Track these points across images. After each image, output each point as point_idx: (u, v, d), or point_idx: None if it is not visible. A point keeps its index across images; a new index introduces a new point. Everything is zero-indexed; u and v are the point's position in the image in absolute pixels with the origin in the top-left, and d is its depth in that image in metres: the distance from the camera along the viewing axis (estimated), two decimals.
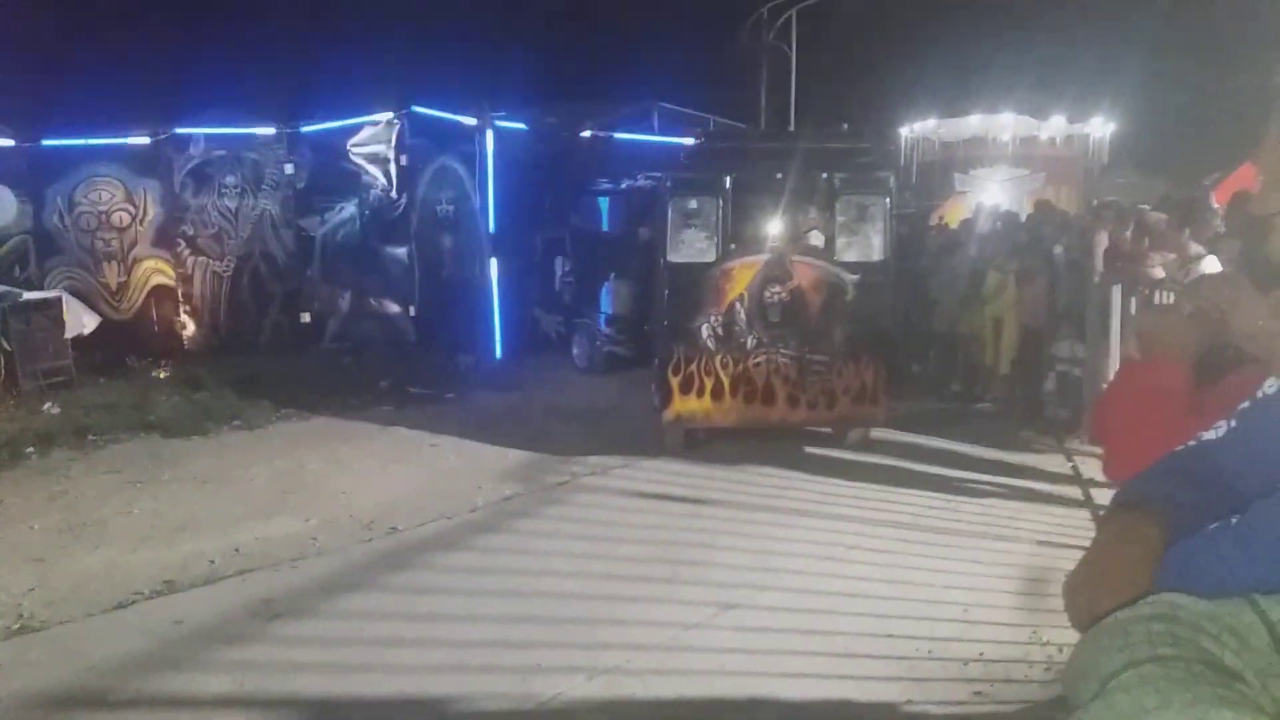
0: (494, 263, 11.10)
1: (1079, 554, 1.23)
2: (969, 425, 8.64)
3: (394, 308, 11.93)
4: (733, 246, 7.71)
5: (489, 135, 11.03)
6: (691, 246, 7.66)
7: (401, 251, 11.81)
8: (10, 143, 10.60)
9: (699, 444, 7.82)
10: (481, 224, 11.14)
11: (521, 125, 11.95)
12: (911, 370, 10.67)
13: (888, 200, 7.76)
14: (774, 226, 7.87)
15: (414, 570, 5.36)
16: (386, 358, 10.98)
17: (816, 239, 7.94)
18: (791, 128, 19.07)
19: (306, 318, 11.80)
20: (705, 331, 7.59)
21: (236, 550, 5.61)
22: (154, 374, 10.30)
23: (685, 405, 7.58)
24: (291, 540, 5.77)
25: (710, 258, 7.63)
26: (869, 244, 7.73)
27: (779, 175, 7.70)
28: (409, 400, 9.57)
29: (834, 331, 7.58)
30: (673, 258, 7.68)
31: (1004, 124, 20.11)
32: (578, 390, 10.10)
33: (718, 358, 7.55)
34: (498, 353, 11.18)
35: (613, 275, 10.92)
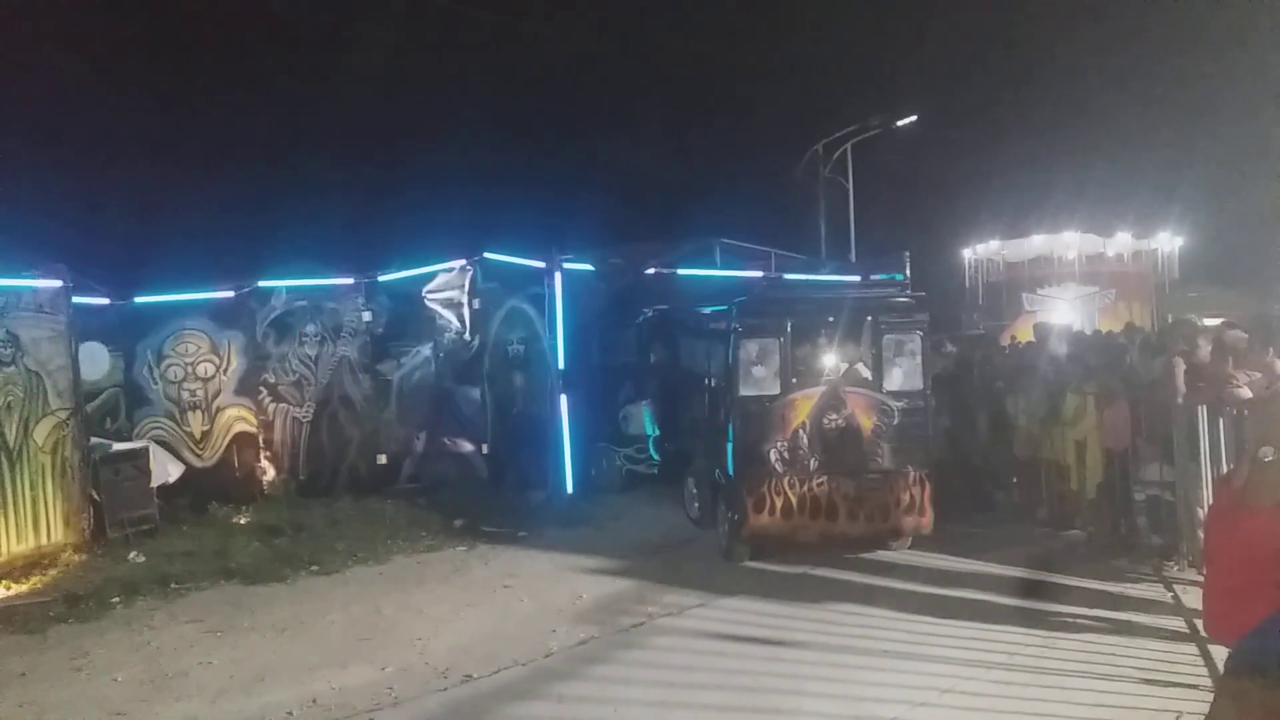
0: (564, 399, 11.23)
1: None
2: (1058, 554, 8.34)
3: (467, 446, 12.07)
4: (794, 380, 8.50)
5: (557, 277, 11.33)
6: (759, 382, 8.49)
7: (474, 391, 12.03)
8: (105, 301, 11.16)
9: (763, 556, 8.47)
10: (551, 362, 11.34)
11: (588, 266, 12.26)
12: (995, 498, 10.38)
13: (920, 336, 8.73)
14: (828, 362, 8.61)
15: None
16: (460, 497, 11.04)
17: (864, 371, 8.66)
18: (852, 258, 19.28)
19: (383, 459, 11.97)
20: (773, 456, 8.40)
21: (314, 701, 5.56)
22: (235, 520, 10.47)
23: (759, 522, 8.32)
24: (368, 690, 5.71)
25: (775, 391, 8.48)
26: (909, 375, 8.66)
27: (830, 318, 8.61)
28: (482, 539, 9.56)
29: (884, 452, 8.49)
30: (743, 392, 8.47)
31: (1068, 242, 20.08)
32: (649, 524, 9.99)
33: (785, 479, 8.36)
34: (569, 488, 11.18)
35: (628, 400, 11.76)
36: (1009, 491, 10.31)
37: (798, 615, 6.81)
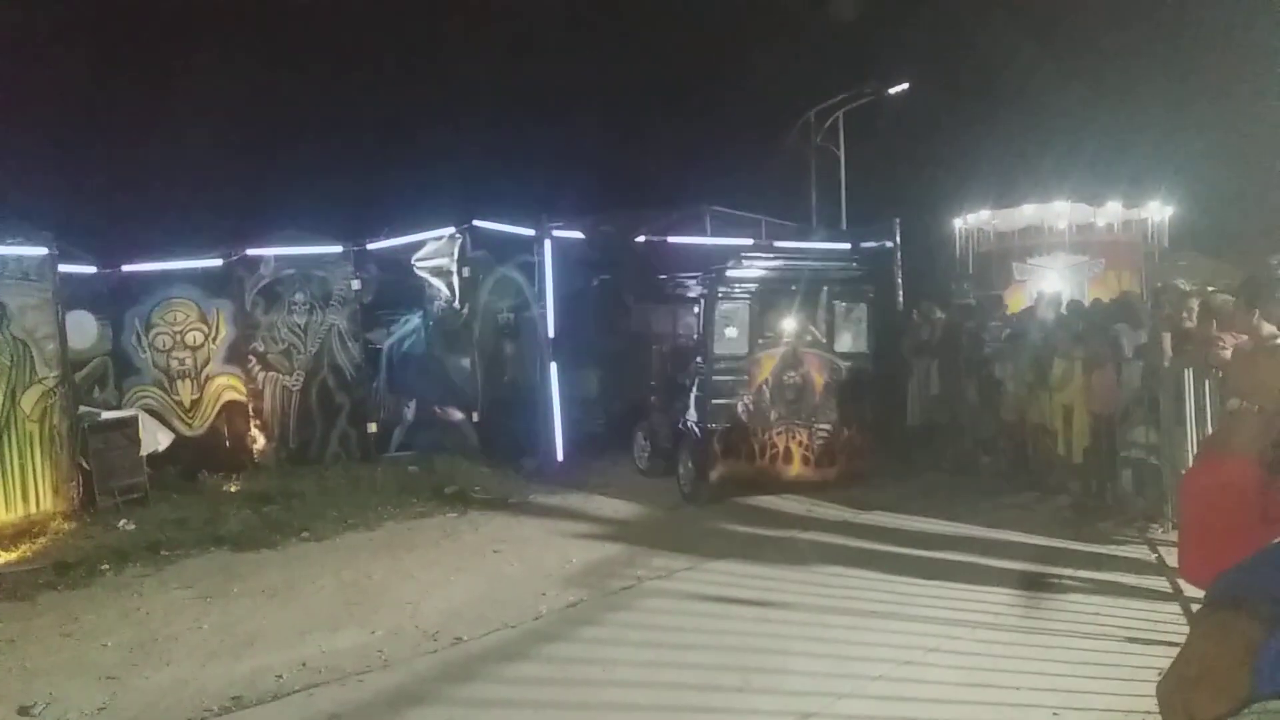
0: (554, 367, 11.23)
1: (1171, 650, 1.16)
2: (1045, 518, 8.39)
3: (457, 414, 12.07)
4: (760, 342, 9.61)
5: (547, 245, 11.28)
6: (730, 342, 9.55)
7: (464, 360, 12.01)
8: (92, 269, 11.08)
9: (725, 498, 9.38)
10: (541, 330, 11.31)
11: (578, 234, 12.21)
12: (982, 462, 10.44)
13: (866, 306, 10.06)
14: (788, 326, 9.74)
15: (479, 682, 5.28)
16: (451, 464, 11.06)
17: (818, 334, 9.86)
18: (843, 225, 19.24)
19: (373, 428, 11.95)
20: (740, 408, 9.50)
21: (303, 664, 5.59)
22: (225, 488, 10.47)
23: (726, 466, 9.43)
24: (357, 652, 5.74)
25: (744, 350, 9.59)
26: (856, 339, 9.98)
27: (792, 287, 9.77)
28: (473, 505, 9.59)
29: (832, 405, 9.74)
30: (717, 351, 9.51)
31: (1059, 212, 20.02)
32: (640, 491, 10.03)
33: (750, 429, 9.48)
34: (559, 455, 11.21)
35: (576, 365, 12.32)
36: (996, 456, 10.37)
37: (785, 577, 6.86)
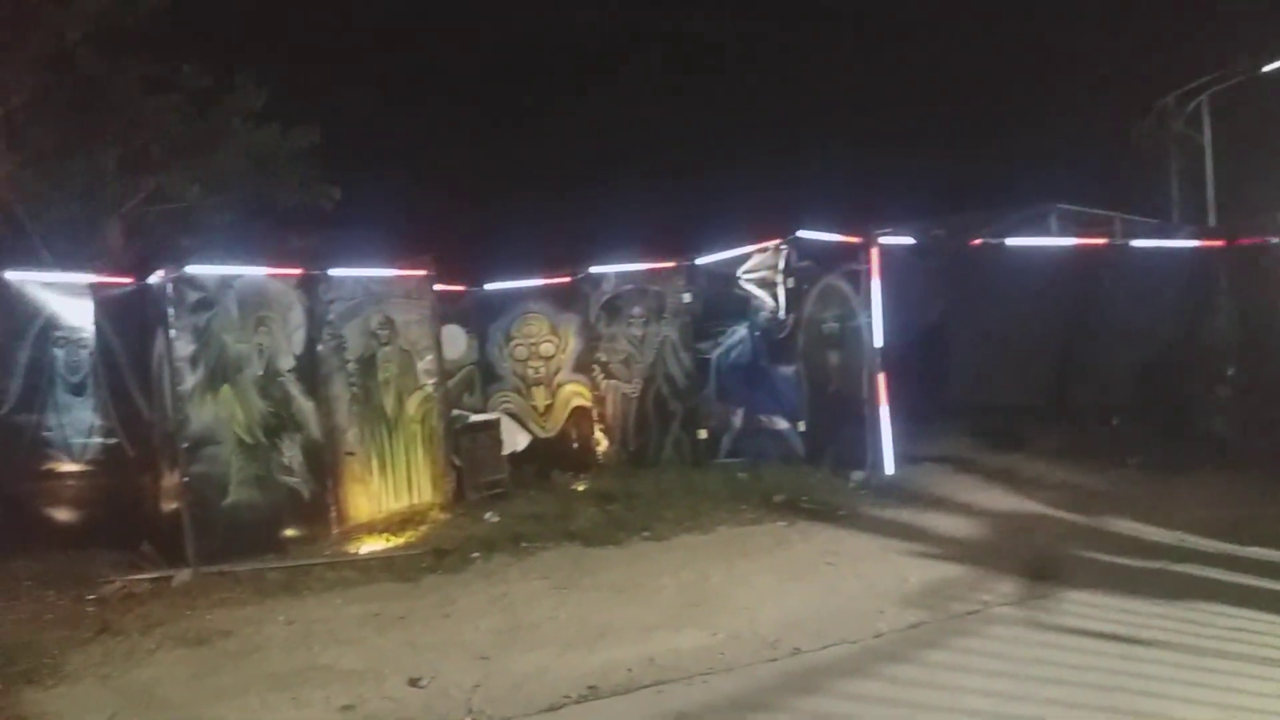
0: (882, 377, 10.96)
1: None
2: None
3: (783, 423, 12.14)
4: None
5: (873, 252, 11.04)
6: None
7: (789, 370, 12.06)
8: (462, 289, 12.51)
9: None
10: (867, 339, 11.08)
11: (908, 239, 11.85)
12: None
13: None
14: None
15: (821, 695, 5.27)
16: (778, 472, 11.16)
17: None
18: (1210, 221, 17.22)
19: (703, 434, 12.40)
20: None
21: (651, 660, 5.87)
22: (573, 487, 11.33)
23: None
24: (700, 653, 5.94)
25: None
26: None
27: None
28: (801, 515, 9.58)
29: None
30: None
31: None
32: (976, 509, 9.55)
33: None
34: (889, 468, 10.92)
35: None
36: None
37: (1155, 612, 6.20)
